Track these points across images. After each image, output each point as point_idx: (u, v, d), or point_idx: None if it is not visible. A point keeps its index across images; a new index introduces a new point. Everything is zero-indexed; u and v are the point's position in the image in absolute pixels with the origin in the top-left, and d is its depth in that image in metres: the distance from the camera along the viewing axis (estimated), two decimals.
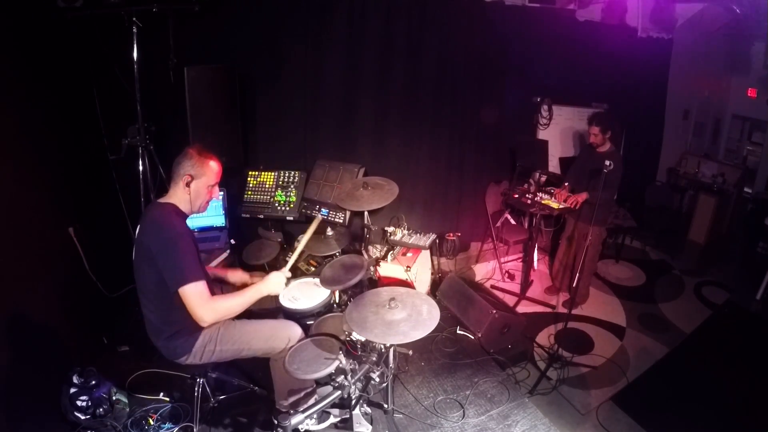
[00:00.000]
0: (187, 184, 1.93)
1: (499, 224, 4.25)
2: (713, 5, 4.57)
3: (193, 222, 3.14)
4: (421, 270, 3.49)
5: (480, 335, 3.10)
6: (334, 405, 2.19)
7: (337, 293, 2.57)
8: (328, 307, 2.52)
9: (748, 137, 5.44)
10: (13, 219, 2.30)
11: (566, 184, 3.69)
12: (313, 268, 3.27)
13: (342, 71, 3.67)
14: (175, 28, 2.88)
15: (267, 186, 3.48)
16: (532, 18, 4.28)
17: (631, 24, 4.88)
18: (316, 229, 2.48)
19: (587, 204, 3.46)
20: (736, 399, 2.81)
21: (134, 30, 2.69)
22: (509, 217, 4.24)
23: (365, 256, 3.17)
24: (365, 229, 3.24)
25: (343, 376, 1.92)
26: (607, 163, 2.86)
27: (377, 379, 2.07)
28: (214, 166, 2.00)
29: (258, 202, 3.44)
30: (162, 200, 1.98)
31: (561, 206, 3.53)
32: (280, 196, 3.43)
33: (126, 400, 2.51)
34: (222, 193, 3.25)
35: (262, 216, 3.43)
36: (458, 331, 3.29)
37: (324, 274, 2.41)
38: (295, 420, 1.79)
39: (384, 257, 3.42)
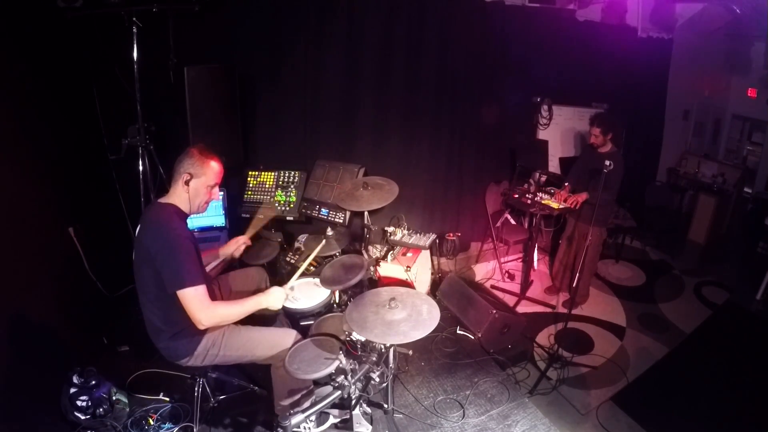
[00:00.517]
0: (186, 183, 1.93)
1: (499, 224, 4.25)
2: (713, 5, 4.57)
3: (193, 222, 3.15)
4: (421, 270, 3.49)
5: (480, 335, 3.10)
6: (334, 405, 2.19)
7: (337, 293, 2.57)
8: (328, 307, 2.52)
9: (748, 137, 5.43)
10: (13, 219, 2.30)
11: (566, 184, 3.69)
12: (313, 268, 3.26)
13: (342, 71, 3.66)
14: (175, 28, 2.88)
15: (267, 186, 3.48)
16: (532, 18, 4.29)
17: (631, 24, 4.89)
18: (317, 233, 2.49)
19: (587, 204, 3.47)
20: (736, 399, 2.81)
21: (134, 30, 2.69)
22: (509, 217, 4.24)
23: (365, 256, 3.17)
24: (365, 229, 3.24)
25: (343, 376, 1.92)
26: (607, 163, 2.86)
27: (377, 379, 2.07)
28: (214, 166, 1.99)
29: (258, 202, 3.44)
30: (162, 200, 1.97)
31: (561, 206, 3.53)
32: (280, 196, 3.43)
33: (126, 400, 2.51)
34: (222, 193, 3.25)
35: (262, 216, 3.43)
36: (458, 331, 3.29)
37: (324, 274, 2.41)
38: (295, 420, 1.79)
39: (384, 257, 3.42)
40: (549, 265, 4.18)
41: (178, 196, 1.95)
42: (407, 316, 1.95)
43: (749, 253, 4.76)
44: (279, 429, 1.80)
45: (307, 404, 2.03)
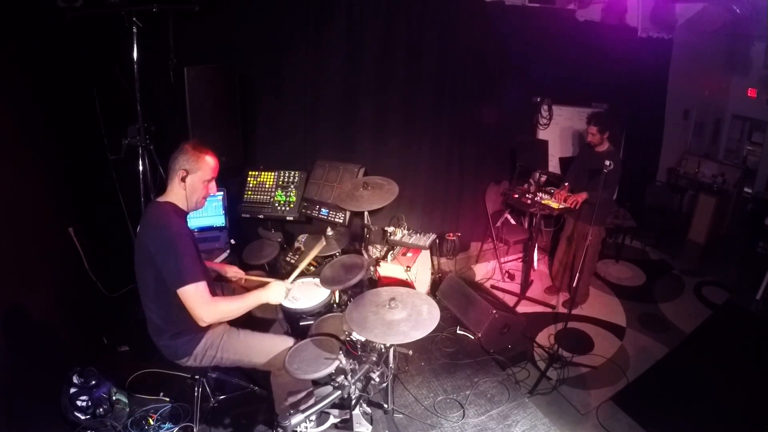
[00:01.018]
0: (183, 179, 1.92)
1: (499, 224, 4.25)
2: (713, 5, 4.56)
3: (193, 222, 3.15)
4: (421, 270, 3.49)
5: (480, 335, 3.10)
6: (334, 405, 2.19)
7: (337, 293, 2.57)
8: (328, 307, 2.52)
9: (748, 137, 5.43)
10: (13, 219, 2.30)
11: (566, 184, 3.69)
12: (313, 268, 3.26)
13: (342, 71, 3.66)
14: (175, 28, 2.88)
15: (267, 186, 3.48)
16: (532, 18, 4.29)
17: (631, 24, 4.89)
18: (317, 233, 2.48)
19: (587, 204, 3.47)
20: (737, 399, 2.80)
21: (134, 30, 2.69)
22: (509, 217, 4.24)
23: (365, 256, 3.16)
24: (365, 229, 3.24)
25: (343, 376, 1.92)
26: (607, 163, 2.86)
27: (377, 379, 2.07)
28: (209, 161, 1.97)
29: (258, 202, 3.44)
30: (161, 199, 1.97)
31: (561, 206, 3.53)
32: (280, 196, 3.43)
33: (126, 400, 2.51)
34: (222, 192, 3.25)
35: (262, 216, 3.44)
36: (458, 331, 3.29)
37: (324, 274, 2.41)
38: (295, 420, 1.79)
39: (384, 257, 3.42)
40: (549, 265, 4.18)
41: (175, 193, 1.95)
42: (407, 316, 1.95)
43: (749, 253, 4.76)
44: (279, 429, 1.80)
45: (307, 404, 2.02)
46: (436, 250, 3.78)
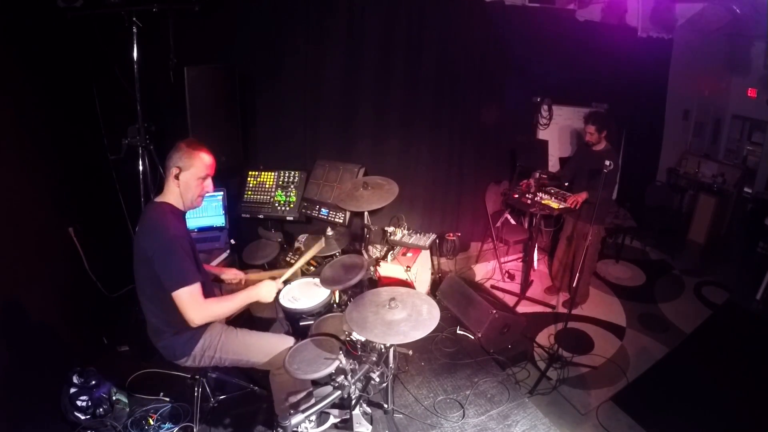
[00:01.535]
0: (176, 177, 1.91)
1: (499, 224, 4.25)
2: (713, 5, 4.56)
3: (193, 222, 3.16)
4: (421, 270, 3.49)
5: (480, 335, 3.10)
6: (334, 405, 2.19)
7: (337, 293, 2.57)
8: (328, 307, 2.52)
9: (748, 137, 5.43)
10: (13, 219, 2.30)
11: (566, 184, 3.70)
12: (313, 268, 3.27)
13: (342, 71, 3.66)
14: (175, 28, 2.88)
15: (267, 186, 3.48)
16: (532, 18, 4.28)
17: (631, 24, 4.88)
18: (317, 233, 2.48)
19: (587, 203, 3.47)
20: (737, 399, 2.80)
21: (134, 30, 2.69)
22: (509, 217, 4.24)
23: (365, 256, 3.16)
24: (365, 229, 3.24)
25: (343, 376, 1.92)
26: (608, 163, 2.86)
27: (377, 379, 2.07)
28: (204, 158, 1.96)
29: (258, 202, 3.44)
30: (158, 199, 1.97)
31: (561, 206, 3.53)
32: (280, 196, 3.43)
33: (126, 400, 2.51)
34: (222, 192, 3.25)
35: (262, 216, 3.44)
36: (458, 331, 3.29)
37: (324, 274, 2.41)
38: (295, 420, 1.79)
39: (384, 257, 3.41)
40: (549, 265, 4.18)
41: (171, 192, 1.94)
42: (407, 316, 1.95)
43: (749, 253, 4.75)
44: (279, 429, 1.80)
45: (307, 404, 2.02)
46: (436, 250, 3.78)
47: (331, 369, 1.91)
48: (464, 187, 4.40)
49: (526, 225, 4.50)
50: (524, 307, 3.77)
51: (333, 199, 3.31)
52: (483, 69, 4.13)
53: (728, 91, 5.42)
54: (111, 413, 2.39)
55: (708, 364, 3.16)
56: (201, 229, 3.25)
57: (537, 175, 3.75)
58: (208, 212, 3.25)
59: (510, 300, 3.82)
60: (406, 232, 3.49)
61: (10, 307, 2.22)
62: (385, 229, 3.52)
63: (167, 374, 2.63)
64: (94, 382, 2.44)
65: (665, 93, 5.34)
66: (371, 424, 2.40)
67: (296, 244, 3.46)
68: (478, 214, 4.52)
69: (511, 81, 4.32)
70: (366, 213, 3.15)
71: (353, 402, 2.18)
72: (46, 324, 2.48)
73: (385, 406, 2.41)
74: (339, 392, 1.93)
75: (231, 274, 2.36)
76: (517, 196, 3.78)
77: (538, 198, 3.64)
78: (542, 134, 4.75)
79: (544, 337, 3.41)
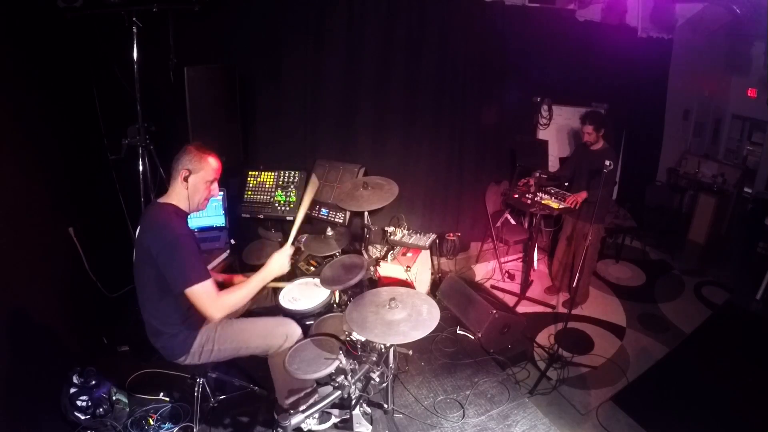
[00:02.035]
0: (185, 179, 1.92)
1: (499, 224, 4.25)
2: (713, 5, 4.57)
3: (193, 222, 3.15)
4: (421, 270, 3.49)
5: (480, 335, 3.10)
6: (334, 405, 2.19)
7: (337, 293, 2.57)
8: (328, 307, 2.52)
9: (748, 137, 5.43)
10: (13, 219, 2.30)
11: (566, 184, 3.70)
12: (313, 268, 3.27)
13: (342, 71, 3.67)
14: (175, 28, 2.89)
15: (267, 186, 3.48)
16: (532, 18, 4.28)
17: (631, 24, 4.88)
18: (318, 233, 2.48)
19: (586, 203, 3.47)
20: (736, 399, 2.80)
21: (134, 30, 2.69)
22: (509, 217, 4.24)
23: (365, 256, 3.17)
24: (365, 229, 3.24)
25: (343, 376, 1.93)
26: (607, 163, 2.86)
27: (377, 379, 2.07)
28: (212, 162, 1.98)
29: (258, 202, 3.44)
30: (162, 200, 1.97)
31: (561, 206, 3.53)
32: (280, 196, 3.43)
33: (126, 400, 2.51)
34: (222, 192, 3.25)
35: (262, 216, 3.43)
36: (458, 331, 3.29)
37: (324, 274, 2.41)
38: (295, 420, 1.79)
39: (384, 257, 3.42)
40: (549, 265, 4.18)
41: (177, 194, 1.94)
42: (407, 316, 1.95)
43: (749, 253, 4.75)
44: (279, 429, 1.80)
45: (307, 404, 2.02)
46: (436, 250, 3.78)
47: (331, 369, 1.91)
48: (464, 187, 4.40)
49: (526, 225, 4.50)
50: (524, 307, 3.77)
51: (333, 199, 3.31)
52: (483, 69, 4.13)
53: (728, 91, 5.42)
54: (111, 413, 2.39)
55: (708, 364, 3.16)
56: (201, 229, 3.25)
57: (537, 175, 3.75)
58: (208, 212, 3.25)
59: (510, 300, 3.82)
60: (406, 232, 3.49)
61: (11, 307, 2.22)
62: (385, 229, 3.53)
63: (167, 374, 2.63)
64: (94, 382, 2.44)
65: (665, 93, 5.35)
66: (371, 424, 2.40)
67: (296, 244, 3.45)
68: (478, 214, 4.52)
69: (511, 81, 4.32)
70: (366, 213, 3.15)
71: (353, 402, 2.18)
72: (46, 324, 2.48)
73: (385, 406, 2.41)
74: (339, 392, 1.93)
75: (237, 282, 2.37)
76: (517, 196, 3.78)
77: (538, 198, 3.64)
78: (542, 134, 4.75)
79: (544, 337, 3.41)
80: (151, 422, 2.41)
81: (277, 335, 2.08)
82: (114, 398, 2.46)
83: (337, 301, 2.60)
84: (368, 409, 2.43)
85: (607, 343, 3.38)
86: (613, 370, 3.08)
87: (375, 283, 3.25)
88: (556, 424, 2.56)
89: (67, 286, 2.75)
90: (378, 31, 3.65)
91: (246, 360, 2.17)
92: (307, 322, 2.43)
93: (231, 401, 2.54)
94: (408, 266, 3.28)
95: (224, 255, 3.10)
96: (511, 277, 4.25)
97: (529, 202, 3.64)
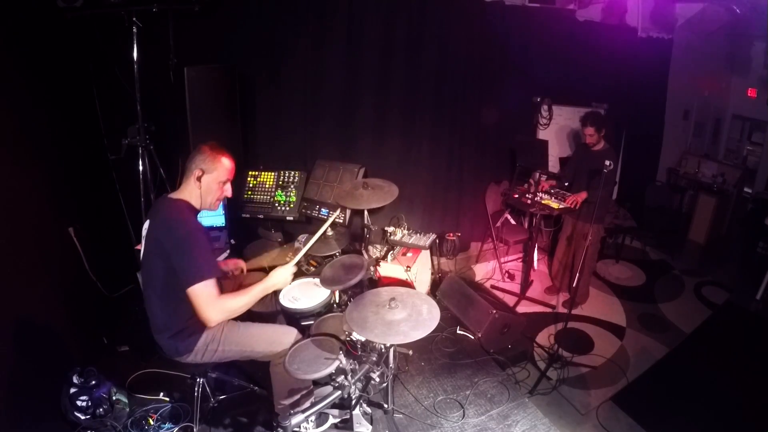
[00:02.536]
0: (198, 179, 1.93)
1: (499, 224, 4.25)
2: (713, 5, 4.57)
3: None
4: (421, 270, 3.49)
5: (480, 335, 3.10)
6: (334, 405, 2.19)
7: (337, 293, 2.57)
8: (328, 307, 2.52)
9: (748, 137, 5.43)
10: (13, 219, 2.30)
11: (566, 184, 3.70)
12: (313, 268, 3.27)
13: (342, 71, 3.67)
14: (175, 28, 2.89)
15: (267, 186, 3.47)
16: (532, 18, 4.28)
17: (631, 24, 4.88)
18: (317, 230, 2.48)
19: (586, 203, 3.47)
20: (736, 399, 2.80)
21: (134, 30, 2.69)
22: (509, 217, 4.24)
23: (365, 256, 3.16)
24: (365, 229, 3.24)
25: (343, 376, 1.93)
26: (607, 163, 2.87)
27: (377, 379, 2.07)
28: (226, 163, 2.00)
29: (258, 202, 3.44)
30: (173, 196, 1.96)
31: (561, 206, 3.53)
32: (280, 196, 3.43)
33: (126, 400, 2.51)
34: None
35: (262, 216, 3.43)
36: (458, 331, 3.29)
37: (324, 274, 2.41)
38: (295, 420, 1.79)
39: (384, 257, 3.42)
40: (549, 265, 4.18)
41: (190, 192, 1.95)
42: (407, 316, 1.95)
43: (749, 253, 4.76)
44: (279, 429, 1.80)
45: (307, 404, 2.02)
46: (436, 250, 3.78)
47: (331, 369, 1.91)
48: (464, 187, 4.40)
49: (526, 225, 4.50)
50: (524, 307, 3.77)
51: (333, 199, 3.31)
52: (483, 69, 4.13)
53: (728, 91, 5.42)
54: (111, 413, 2.39)
55: (708, 364, 3.16)
56: None
57: (537, 175, 3.75)
58: (208, 212, 3.24)
59: (510, 300, 3.82)
60: (406, 232, 3.49)
61: (11, 307, 2.22)
62: (385, 229, 3.53)
63: (167, 374, 2.63)
64: (94, 382, 2.44)
65: (665, 93, 5.35)
66: (371, 424, 2.40)
67: (296, 244, 3.45)
68: (478, 214, 4.52)
69: (511, 81, 4.32)
70: (366, 213, 3.15)
71: (353, 402, 2.18)
72: (46, 324, 2.48)
73: (385, 406, 2.41)
74: (339, 392, 1.93)
75: (231, 265, 2.39)
76: (517, 196, 3.78)
77: (538, 198, 3.64)
78: (542, 134, 4.75)
79: (544, 337, 3.41)
80: (151, 422, 2.40)
81: (283, 343, 2.07)
82: (114, 398, 2.46)
83: (337, 301, 2.60)
84: (368, 409, 2.43)
85: (607, 343, 3.38)
86: (613, 370, 3.08)
87: (375, 283, 3.25)
88: (556, 424, 2.56)
89: (67, 286, 2.75)
90: (378, 30, 3.65)
91: (246, 360, 2.17)
92: (307, 322, 2.43)
93: (231, 401, 2.54)
94: (408, 266, 3.28)
95: (224, 255, 3.10)
96: (511, 277, 4.25)
97: (529, 202, 3.64)
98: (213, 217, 3.29)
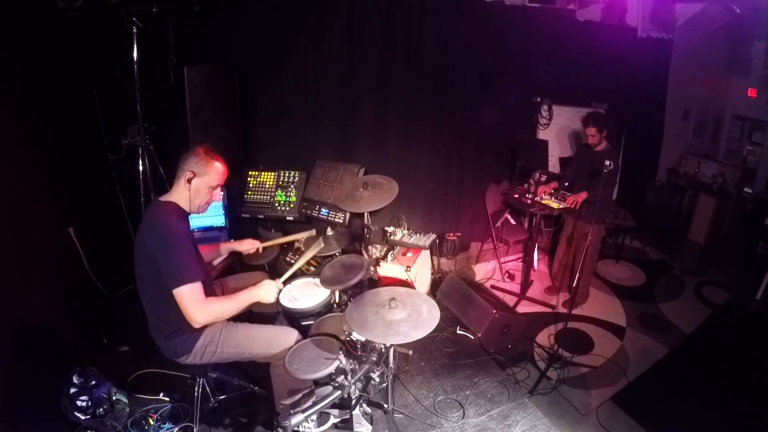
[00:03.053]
0: (189, 181, 1.93)
1: (499, 224, 4.25)
2: (713, 5, 4.57)
3: (194, 222, 3.15)
4: (421, 270, 3.49)
5: (480, 335, 3.10)
6: (334, 405, 2.19)
7: (337, 293, 2.57)
8: (328, 307, 2.52)
9: (748, 137, 5.44)
10: (13, 219, 2.30)
11: (566, 184, 3.70)
12: (313, 268, 3.27)
13: (342, 71, 3.66)
14: (175, 28, 2.88)
15: (267, 186, 3.48)
16: (532, 18, 4.28)
17: (631, 24, 4.88)
18: (318, 231, 2.49)
19: (587, 203, 3.47)
20: (736, 399, 2.80)
21: (134, 30, 2.69)
22: (509, 217, 4.24)
23: (365, 256, 3.17)
24: (365, 229, 3.24)
25: (343, 376, 1.92)
26: (607, 163, 2.87)
27: (377, 379, 2.07)
28: (218, 167, 1.99)
29: (258, 202, 3.44)
30: (163, 198, 1.97)
31: (561, 206, 3.53)
32: (280, 196, 3.43)
33: (126, 400, 2.51)
34: (222, 193, 3.25)
35: (262, 216, 3.43)
36: (458, 331, 3.29)
37: (324, 274, 2.41)
38: (295, 420, 1.79)
39: (384, 257, 3.41)
40: (549, 265, 4.18)
41: (179, 193, 1.95)
42: (407, 316, 1.95)
43: (749, 253, 4.76)
44: (279, 429, 1.80)
45: (307, 404, 2.02)
46: (436, 250, 3.78)
47: (331, 369, 1.91)
48: (464, 187, 4.40)
49: (526, 225, 4.50)
50: (524, 307, 3.77)
51: (333, 199, 3.31)
52: (483, 69, 4.13)
53: (728, 91, 5.43)
54: (111, 413, 2.39)
55: (708, 365, 3.16)
56: (201, 229, 3.24)
57: (537, 175, 3.75)
58: (208, 212, 3.22)
59: (510, 300, 3.82)
60: (406, 232, 3.48)
61: (11, 308, 2.22)
62: (385, 229, 3.52)
63: (167, 374, 2.63)
64: (94, 382, 2.43)
65: (665, 93, 5.34)
66: (371, 424, 2.40)
67: (296, 245, 3.45)
68: (478, 214, 4.52)
69: (511, 81, 4.32)
70: (366, 213, 3.15)
71: (353, 402, 2.18)
72: (46, 324, 2.48)
73: (385, 406, 2.41)
74: (339, 392, 1.93)
75: (247, 245, 2.43)
76: (517, 196, 3.78)
77: (538, 198, 3.64)
78: (542, 134, 4.75)
79: (544, 337, 3.41)
80: (151, 422, 2.40)
81: (282, 345, 2.07)
82: (114, 398, 2.46)
83: (337, 301, 2.60)
84: (368, 409, 2.43)
85: (607, 343, 3.38)
86: (613, 370, 3.08)
87: (375, 283, 3.25)
88: (556, 424, 2.56)
89: (67, 286, 2.75)
90: (378, 30, 3.65)
91: (246, 361, 2.17)
92: (307, 322, 2.43)
93: (231, 401, 2.54)
94: (408, 266, 3.28)
95: (224, 255, 3.09)
96: (511, 277, 4.25)
97: (529, 202, 3.64)
98: (213, 217, 3.30)
